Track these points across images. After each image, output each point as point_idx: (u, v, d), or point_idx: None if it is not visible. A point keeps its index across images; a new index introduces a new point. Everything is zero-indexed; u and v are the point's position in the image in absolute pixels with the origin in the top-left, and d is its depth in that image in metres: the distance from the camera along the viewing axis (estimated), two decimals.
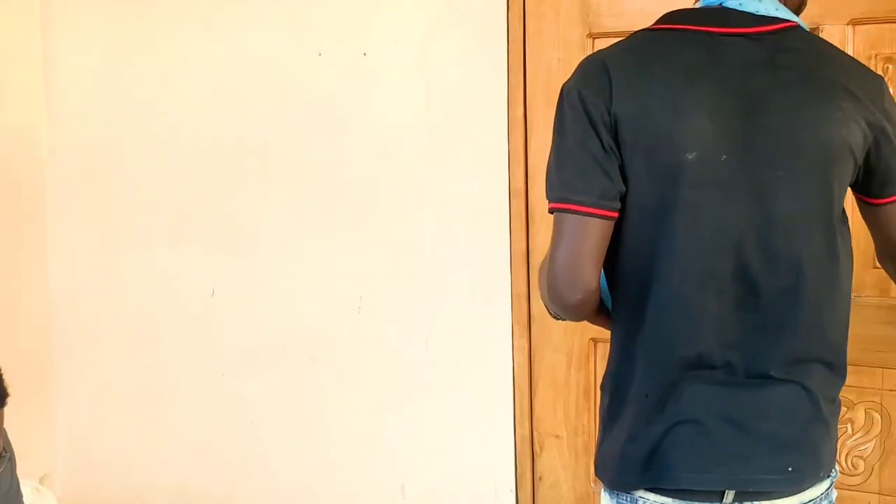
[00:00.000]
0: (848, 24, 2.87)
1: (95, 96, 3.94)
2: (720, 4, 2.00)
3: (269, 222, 3.74)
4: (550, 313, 2.12)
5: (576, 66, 3.21)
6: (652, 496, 1.95)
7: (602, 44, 3.23)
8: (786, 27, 1.97)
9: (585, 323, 3.24)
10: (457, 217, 3.51)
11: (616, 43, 2.06)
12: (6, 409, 2.05)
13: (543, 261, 2.06)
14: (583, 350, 3.39)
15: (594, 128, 1.91)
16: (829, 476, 2.02)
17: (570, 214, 1.93)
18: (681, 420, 1.93)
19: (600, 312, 2.07)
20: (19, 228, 3.92)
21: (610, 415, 2.04)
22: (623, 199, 1.92)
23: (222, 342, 3.84)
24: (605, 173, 1.90)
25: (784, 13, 1.99)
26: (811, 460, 1.96)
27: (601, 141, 1.91)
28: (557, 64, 3.36)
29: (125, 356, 3.99)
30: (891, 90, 2.79)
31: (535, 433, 3.50)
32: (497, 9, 3.41)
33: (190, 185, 3.83)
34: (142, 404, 3.99)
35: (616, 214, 1.91)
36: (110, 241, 3.96)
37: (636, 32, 2.06)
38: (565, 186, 1.95)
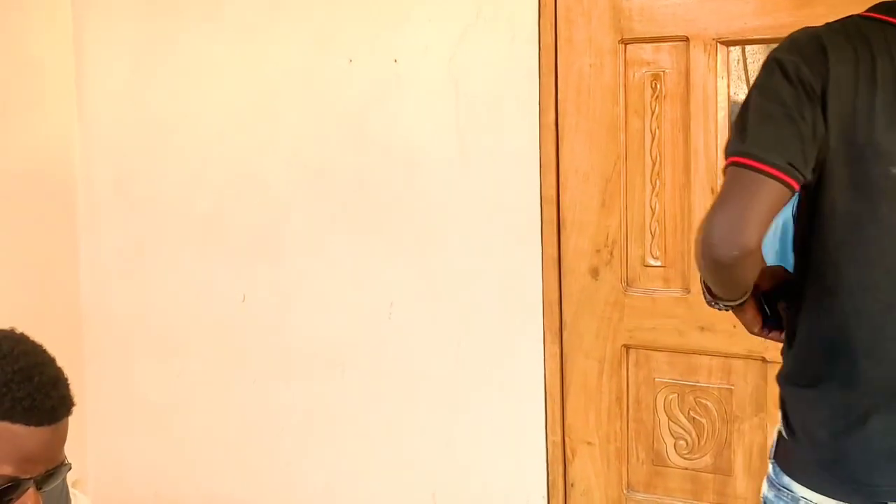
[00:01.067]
0: None
1: (126, 106, 3.96)
2: None
3: (299, 229, 3.74)
4: (701, 279, 2.07)
5: (607, 72, 3.25)
6: None
7: (634, 50, 3.29)
8: None
9: (617, 329, 3.32)
10: (488, 224, 3.50)
11: (827, 24, 1.93)
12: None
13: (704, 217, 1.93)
14: (615, 356, 3.39)
15: (807, 101, 1.84)
16: None
17: (750, 171, 1.81)
18: None
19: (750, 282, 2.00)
20: (51, 237, 3.93)
21: None
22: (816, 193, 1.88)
23: (253, 349, 3.84)
24: (801, 145, 1.83)
25: None
26: None
27: (806, 116, 1.83)
28: (589, 70, 3.36)
29: (155, 363, 3.99)
30: None
31: (566, 440, 3.49)
32: (527, 15, 3.41)
33: (219, 193, 3.84)
34: (172, 411, 3.99)
35: (797, 188, 1.83)
36: (141, 248, 3.97)
37: (846, 18, 1.95)
38: (756, 144, 1.83)
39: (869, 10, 1.94)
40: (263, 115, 3.76)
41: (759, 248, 1.86)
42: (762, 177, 1.80)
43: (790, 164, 1.80)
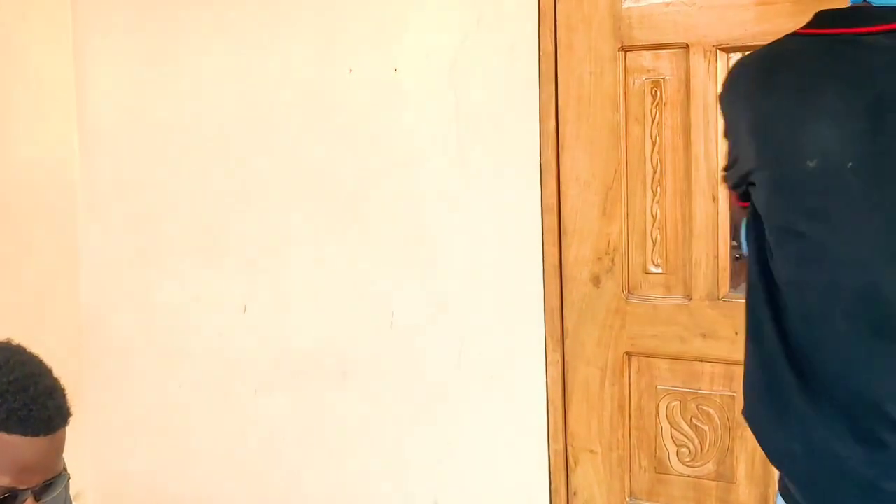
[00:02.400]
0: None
1: (126, 115, 3.97)
2: (865, 1, 1.93)
3: (300, 238, 3.75)
4: None
5: (607, 79, 3.25)
6: None
7: (634, 57, 3.29)
8: None
9: (618, 337, 3.31)
10: (489, 232, 3.50)
11: (762, 47, 2.09)
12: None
13: None
14: (617, 364, 3.38)
15: (732, 129, 2.06)
16: None
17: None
18: None
19: None
20: (51, 246, 3.95)
21: None
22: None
23: (254, 358, 3.85)
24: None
25: None
26: None
27: (734, 142, 2.04)
28: (589, 77, 3.36)
29: (157, 373, 4.00)
30: None
31: (569, 448, 3.49)
32: (527, 23, 3.41)
33: (221, 202, 3.85)
34: (173, 421, 4.00)
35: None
36: (141, 258, 3.98)
37: (783, 36, 2.05)
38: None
39: (804, 25, 2.03)
40: (264, 124, 3.76)
41: None
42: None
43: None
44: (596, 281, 3.39)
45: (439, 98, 3.53)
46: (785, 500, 2.01)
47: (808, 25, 1.99)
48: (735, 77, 2.10)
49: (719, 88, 2.14)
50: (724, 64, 3.16)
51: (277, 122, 3.74)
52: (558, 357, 3.46)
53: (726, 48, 3.15)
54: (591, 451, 3.45)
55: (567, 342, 3.46)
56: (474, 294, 3.54)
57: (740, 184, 2.07)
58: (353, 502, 3.78)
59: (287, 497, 3.86)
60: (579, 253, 3.41)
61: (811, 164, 1.84)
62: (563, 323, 3.46)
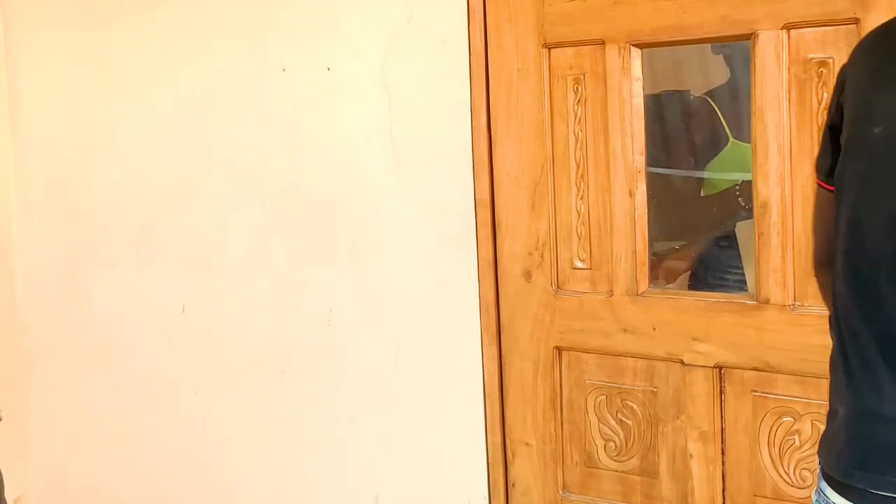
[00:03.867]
0: (782, 29, 2.84)
1: (59, 115, 3.99)
2: None
3: (236, 238, 3.77)
4: None
5: (533, 76, 3.27)
6: None
7: (557, 54, 3.30)
8: None
9: (549, 331, 3.34)
10: (423, 228, 3.53)
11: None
12: None
13: None
14: (548, 358, 3.40)
15: (832, 104, 2.04)
16: None
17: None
18: None
19: None
20: None
21: None
22: None
23: (193, 358, 3.88)
24: (828, 153, 2.04)
25: None
26: None
27: (832, 124, 2.03)
28: (517, 74, 3.37)
29: (96, 375, 4.02)
30: (824, 94, 2.80)
31: (507, 441, 3.51)
32: (457, 21, 3.42)
33: (156, 202, 3.87)
34: (114, 423, 4.02)
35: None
36: (78, 260, 4.00)
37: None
38: (819, 171, 2.12)
39: None
40: (198, 123, 3.79)
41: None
42: (820, 189, 2.12)
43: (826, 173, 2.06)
44: (527, 275, 3.41)
45: (372, 96, 3.56)
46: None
47: None
48: (855, 47, 2.07)
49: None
50: (638, 60, 3.17)
51: (212, 121, 3.77)
52: (494, 351, 3.48)
53: (640, 44, 3.15)
54: (527, 444, 3.48)
55: (503, 336, 3.48)
56: (410, 290, 3.57)
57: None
58: (294, 500, 3.82)
59: (228, 496, 3.90)
60: (512, 248, 3.43)
61: (877, 130, 1.85)
62: (498, 317, 3.48)
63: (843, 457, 1.91)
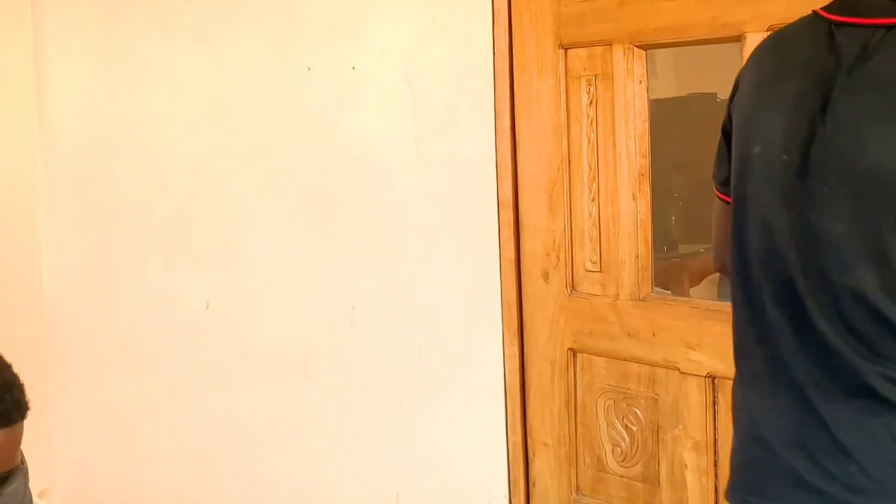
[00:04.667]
0: (767, 31, 2.77)
1: (87, 113, 4.08)
2: None
3: (260, 235, 3.83)
4: None
5: (551, 78, 3.26)
6: None
7: (573, 55, 3.28)
8: None
9: (563, 332, 3.32)
10: (446, 227, 3.54)
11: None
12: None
13: None
14: (563, 359, 3.39)
15: (727, 109, 2.03)
16: None
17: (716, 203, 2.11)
18: None
19: None
20: (13, 245, 4.05)
21: None
22: None
23: (217, 355, 3.93)
24: (724, 161, 2.02)
25: None
26: None
27: (725, 129, 2.03)
28: (537, 75, 3.36)
29: (121, 370, 4.10)
30: None
31: (528, 440, 3.51)
32: (482, 21, 3.42)
33: (181, 200, 3.94)
34: (138, 417, 4.09)
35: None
36: (103, 256, 4.08)
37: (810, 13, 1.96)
38: (715, 178, 2.12)
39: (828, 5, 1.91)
40: (224, 122, 3.85)
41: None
42: (716, 199, 2.10)
43: (721, 183, 2.06)
44: (545, 276, 3.40)
45: (396, 95, 3.58)
46: None
47: (827, 6, 1.88)
48: (753, 51, 2.07)
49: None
50: (642, 61, 3.13)
51: (238, 120, 3.83)
52: (516, 350, 3.48)
53: (643, 45, 3.11)
54: (545, 444, 3.47)
55: (525, 335, 3.48)
56: (433, 289, 3.58)
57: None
58: (316, 497, 3.85)
59: (250, 493, 3.95)
60: (532, 248, 3.43)
61: (756, 149, 1.84)
62: (521, 316, 3.48)
63: (734, 482, 1.89)
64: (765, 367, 1.84)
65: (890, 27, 1.71)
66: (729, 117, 1.99)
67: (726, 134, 2.01)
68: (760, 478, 1.83)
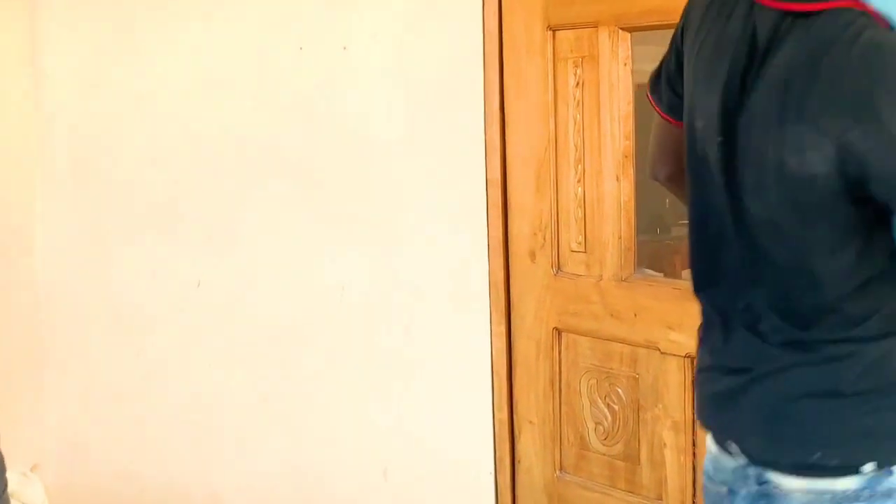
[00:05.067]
0: None
1: (82, 92, 4.07)
2: None
3: (252, 214, 3.84)
4: None
5: (538, 59, 3.28)
6: None
7: (560, 37, 3.30)
8: (829, 7, 1.63)
9: (549, 312, 3.36)
10: (435, 207, 3.57)
11: None
12: None
13: None
14: (548, 339, 3.42)
15: (673, 50, 2.02)
16: None
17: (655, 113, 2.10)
18: None
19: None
20: (7, 220, 4.05)
21: None
22: None
23: (208, 332, 3.96)
24: (673, 90, 2.01)
25: None
26: None
27: (673, 63, 2.01)
28: (526, 56, 3.38)
29: (114, 346, 4.11)
30: None
31: (514, 417, 3.54)
32: (472, 4, 3.44)
33: (174, 178, 3.94)
34: (131, 393, 4.10)
35: (680, 125, 1.96)
36: (98, 233, 4.08)
37: None
38: (652, 87, 2.09)
39: None
40: (217, 101, 3.86)
41: (667, 178, 2.12)
42: (658, 118, 2.09)
43: (669, 109, 2.03)
44: (532, 256, 3.43)
45: (387, 76, 3.60)
46: None
47: None
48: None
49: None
50: (626, 43, 3.15)
51: (229, 98, 3.83)
52: (503, 329, 3.52)
53: (628, 27, 3.13)
54: (531, 422, 3.51)
55: (512, 315, 3.51)
56: (421, 267, 3.61)
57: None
58: (306, 472, 3.88)
59: (241, 467, 3.98)
60: (519, 228, 3.46)
61: (699, 124, 1.84)
62: (508, 296, 3.51)
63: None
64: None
65: (796, 14, 1.67)
66: (682, 37, 1.96)
67: (678, 53, 1.97)
68: (699, 401, 1.98)
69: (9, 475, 2.78)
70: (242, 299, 3.91)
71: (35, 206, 4.15)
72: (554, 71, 3.32)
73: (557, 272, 3.38)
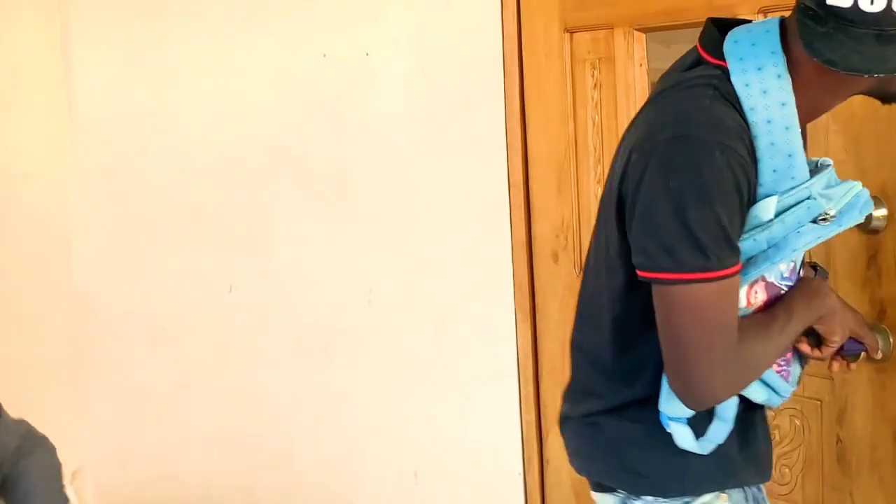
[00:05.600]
0: (758, 13, 2.80)
1: (114, 103, 4.12)
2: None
3: (280, 220, 3.89)
4: None
5: (557, 61, 3.30)
6: None
7: (578, 39, 3.31)
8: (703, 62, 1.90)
9: (573, 312, 3.34)
10: (459, 209, 3.60)
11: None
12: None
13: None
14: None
15: None
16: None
17: None
18: None
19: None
20: (44, 231, 4.10)
21: None
22: None
23: (241, 336, 4.01)
24: None
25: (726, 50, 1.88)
26: None
27: None
28: (545, 59, 3.40)
29: (151, 352, 4.16)
30: None
31: (542, 419, 3.56)
32: (491, 7, 3.47)
33: (205, 187, 4.00)
34: (168, 398, 4.16)
35: None
36: (132, 242, 4.14)
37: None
38: None
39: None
40: (244, 109, 3.91)
41: None
42: None
43: None
44: (555, 257, 3.45)
45: (409, 80, 3.63)
46: None
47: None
48: None
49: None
50: (642, 44, 3.16)
51: (257, 107, 3.88)
52: (528, 329, 3.53)
53: (643, 28, 3.14)
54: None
55: (537, 316, 3.53)
56: (447, 270, 3.64)
57: None
58: (338, 474, 3.92)
59: (275, 470, 4.02)
60: (542, 230, 3.47)
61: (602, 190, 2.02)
62: (532, 297, 3.52)
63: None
64: None
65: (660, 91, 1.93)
66: None
67: None
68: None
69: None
70: (273, 303, 3.95)
71: (70, 217, 4.20)
72: (572, 73, 3.34)
73: (580, 273, 3.38)
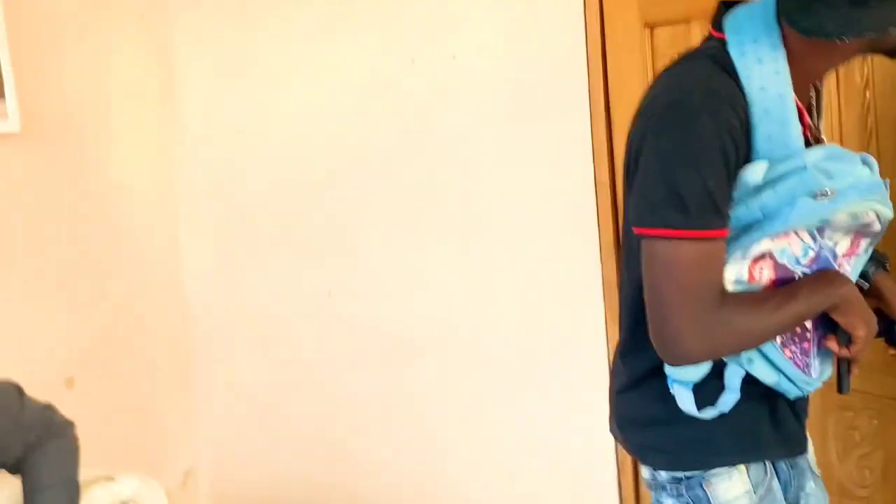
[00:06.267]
0: None
1: (216, 114, 4.22)
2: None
3: (376, 225, 3.94)
4: None
5: (637, 58, 3.27)
6: None
7: (658, 34, 3.27)
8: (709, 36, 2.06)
9: None
10: (546, 211, 3.60)
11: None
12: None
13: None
14: None
15: None
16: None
17: None
18: None
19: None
20: (154, 241, 4.22)
21: None
22: None
23: (341, 340, 4.06)
24: None
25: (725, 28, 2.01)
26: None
27: None
28: (627, 56, 3.37)
29: (255, 355, 4.25)
30: None
31: None
32: (574, 7, 3.47)
33: (301, 197, 4.07)
34: (272, 400, 4.24)
35: None
36: (236, 251, 4.25)
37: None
38: None
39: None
40: (335, 116, 3.97)
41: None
42: None
43: None
44: None
45: (494, 84, 3.66)
46: None
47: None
48: None
49: None
50: None
51: (350, 113, 3.94)
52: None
53: None
54: None
55: None
56: (536, 273, 3.65)
57: None
58: (438, 475, 3.97)
59: (372, 472, 4.09)
60: None
61: None
62: None
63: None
64: None
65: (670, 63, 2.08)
66: None
67: None
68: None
69: (128, 480, 2.91)
70: (369, 307, 3.99)
71: (178, 227, 4.31)
72: (654, 68, 3.30)
73: None
